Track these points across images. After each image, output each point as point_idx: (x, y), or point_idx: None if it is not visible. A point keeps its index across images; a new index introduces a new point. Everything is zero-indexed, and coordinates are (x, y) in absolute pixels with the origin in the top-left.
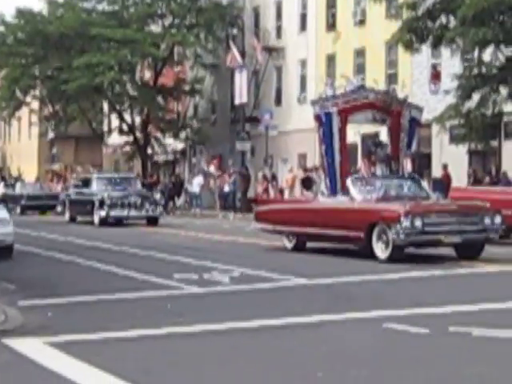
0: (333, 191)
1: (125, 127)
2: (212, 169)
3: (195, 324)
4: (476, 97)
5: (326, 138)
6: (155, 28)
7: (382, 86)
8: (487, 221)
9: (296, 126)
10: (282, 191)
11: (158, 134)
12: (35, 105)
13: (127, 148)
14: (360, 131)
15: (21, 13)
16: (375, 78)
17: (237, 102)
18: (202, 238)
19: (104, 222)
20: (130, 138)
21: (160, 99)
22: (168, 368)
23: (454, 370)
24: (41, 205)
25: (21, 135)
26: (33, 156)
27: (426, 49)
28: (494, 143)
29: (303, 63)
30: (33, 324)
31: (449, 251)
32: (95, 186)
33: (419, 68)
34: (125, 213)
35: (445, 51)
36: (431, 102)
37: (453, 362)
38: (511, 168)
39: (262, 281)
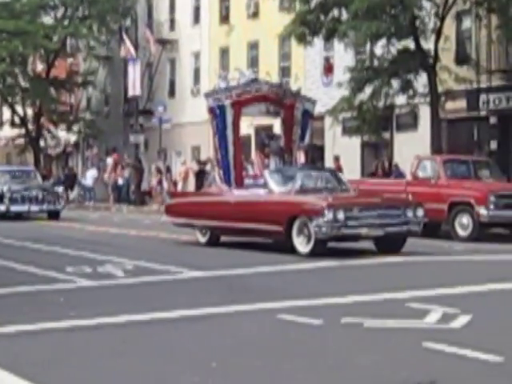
0: (227, 183)
1: (17, 120)
2: (109, 160)
3: (87, 317)
4: (368, 89)
5: (220, 131)
6: (47, 20)
7: (275, 78)
8: (409, 214)
9: (190, 118)
10: (175, 184)
11: (51, 127)
12: None
13: (19, 141)
14: (253, 123)
15: None
16: (268, 71)
17: (130, 94)
18: (100, 231)
19: (3, 216)
20: (22, 131)
21: (52, 91)
22: (61, 362)
23: (344, 359)
24: None
25: None
26: None
27: (318, 42)
28: (386, 135)
29: (197, 56)
30: None
31: (369, 245)
32: None
33: (312, 61)
34: (26, 207)
35: (337, 44)
36: (324, 95)
37: (343, 352)
38: (402, 160)
39: (157, 273)
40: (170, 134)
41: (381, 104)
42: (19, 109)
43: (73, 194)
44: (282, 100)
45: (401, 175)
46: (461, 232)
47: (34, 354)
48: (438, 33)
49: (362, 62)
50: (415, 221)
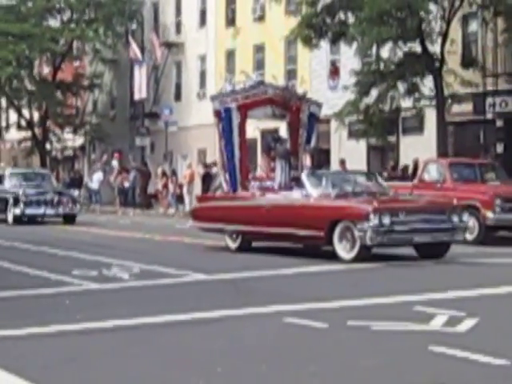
0: (233, 187)
1: (23, 123)
2: (115, 163)
3: (94, 320)
4: (374, 93)
5: (226, 134)
6: (54, 23)
7: (281, 81)
8: (455, 219)
9: (195, 121)
10: (181, 187)
11: (57, 130)
12: None
13: (26, 144)
14: (259, 127)
15: None
16: (274, 74)
17: (136, 97)
18: (113, 235)
19: (18, 220)
20: (29, 134)
21: (59, 94)
22: (66, 365)
23: (350, 362)
24: None
25: None
26: None
27: (324, 45)
28: (392, 138)
29: (203, 59)
30: None
31: (409, 251)
32: (8, 183)
33: (318, 64)
34: (41, 210)
35: (343, 47)
36: (330, 98)
37: (350, 356)
38: (409, 163)
39: (163, 277)
40: (176, 137)
41: (387, 107)
42: (25, 112)
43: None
44: (288, 103)
45: (405, 178)
46: (467, 235)
47: (40, 357)
48: (445, 36)
49: (369, 65)
50: (460, 227)
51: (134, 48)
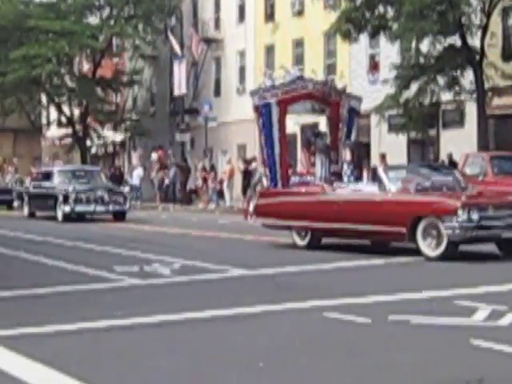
0: (273, 182)
1: (63, 119)
2: (154, 156)
3: (135, 316)
4: (414, 86)
5: (266, 129)
6: (93, 20)
7: (320, 76)
8: None
9: (235, 116)
10: (221, 182)
11: (97, 126)
12: None
13: (66, 140)
14: (299, 121)
15: None
16: (314, 69)
17: (176, 93)
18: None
19: (68, 217)
20: (69, 131)
21: (99, 91)
22: (110, 361)
23: (391, 357)
24: None
25: None
26: None
27: (364, 39)
28: (432, 132)
29: (242, 54)
30: None
31: (491, 248)
32: (57, 180)
33: (357, 58)
34: (91, 208)
35: (383, 41)
36: (370, 92)
37: (390, 350)
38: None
39: (204, 272)
40: (216, 132)
41: (427, 101)
42: (66, 109)
43: None
44: (327, 98)
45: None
46: None
47: (81, 353)
48: (485, 29)
49: (408, 59)
50: None
51: (174, 44)
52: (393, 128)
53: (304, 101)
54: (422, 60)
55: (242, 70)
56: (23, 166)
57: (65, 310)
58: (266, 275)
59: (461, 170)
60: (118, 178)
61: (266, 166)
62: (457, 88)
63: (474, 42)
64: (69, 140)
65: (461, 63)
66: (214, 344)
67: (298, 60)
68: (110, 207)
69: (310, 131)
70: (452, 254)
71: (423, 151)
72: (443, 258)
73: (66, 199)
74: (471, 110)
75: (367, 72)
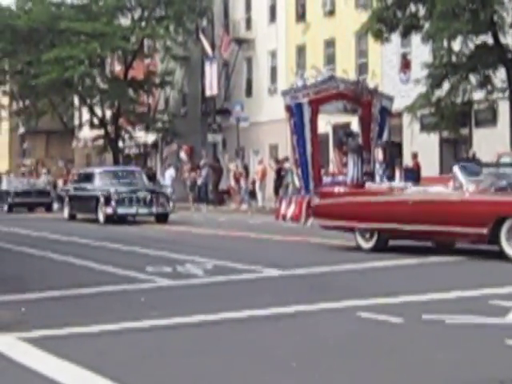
0: (305, 181)
1: (96, 121)
2: (183, 155)
3: (168, 317)
4: (446, 85)
5: (297, 129)
6: (125, 21)
7: (352, 76)
8: None
9: (267, 117)
10: (253, 183)
11: (129, 128)
12: (5, 100)
13: (98, 142)
14: (331, 121)
15: None
16: (345, 68)
17: (207, 93)
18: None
19: (110, 219)
20: (101, 132)
21: (131, 92)
22: (143, 361)
23: (425, 356)
24: (30, 202)
25: None
26: (4, 151)
27: (395, 38)
28: (465, 131)
29: (273, 54)
30: (6, 320)
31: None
32: (98, 181)
33: (389, 57)
34: (133, 210)
35: (415, 40)
36: (401, 91)
37: (424, 349)
38: (481, 156)
39: (237, 273)
40: (248, 132)
41: (459, 100)
42: (98, 110)
43: None
44: (359, 97)
45: None
46: None
47: (116, 354)
48: None
49: (440, 57)
50: None
51: (205, 45)
52: (425, 127)
53: (336, 101)
54: (454, 59)
55: (274, 70)
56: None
57: (101, 310)
58: (300, 275)
59: None
60: (150, 179)
61: (298, 166)
62: (489, 87)
63: (507, 40)
64: (101, 141)
65: (493, 62)
66: (246, 344)
67: (330, 60)
68: (153, 209)
69: (342, 131)
70: None
71: (456, 150)
72: None
73: (107, 201)
74: (504, 108)
75: (399, 71)
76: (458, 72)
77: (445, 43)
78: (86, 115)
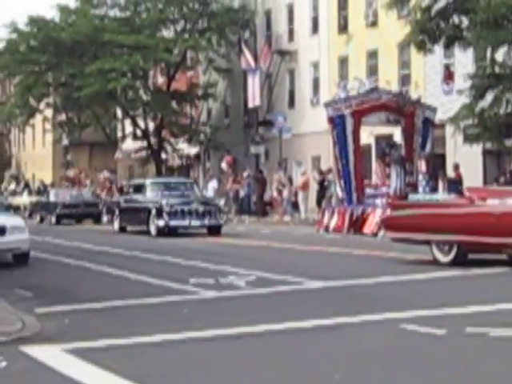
0: (348, 192)
1: (138, 132)
2: (224, 165)
3: (211, 329)
4: (489, 96)
5: (340, 140)
6: (167, 33)
7: (394, 87)
8: None
9: (309, 128)
10: (296, 194)
11: (172, 139)
12: (49, 112)
13: (141, 153)
14: (373, 132)
15: (33, 20)
16: (388, 80)
17: (250, 105)
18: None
19: (162, 232)
20: (144, 144)
21: (174, 104)
22: (185, 373)
23: (469, 370)
24: (78, 213)
25: (35, 142)
26: (47, 163)
27: (438, 49)
28: (508, 142)
29: (316, 66)
30: (50, 331)
31: None
32: (150, 193)
33: (432, 68)
34: (186, 222)
35: (458, 51)
36: (444, 102)
37: (468, 363)
38: None
39: (279, 284)
40: (290, 144)
41: (502, 111)
42: (141, 122)
43: None
44: (402, 108)
45: None
46: None
47: (159, 366)
48: None
49: (483, 68)
50: None
51: (247, 56)
52: (468, 138)
53: (378, 112)
54: (497, 69)
55: (316, 82)
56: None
57: (143, 322)
58: (342, 287)
59: None
60: None
61: (340, 178)
62: None
63: None
64: (143, 153)
65: None
66: (289, 355)
67: (372, 71)
68: (206, 221)
69: (385, 142)
70: None
71: (499, 162)
72: None
73: (159, 213)
74: None
75: (442, 82)
76: (501, 83)
77: (488, 53)
78: (128, 127)
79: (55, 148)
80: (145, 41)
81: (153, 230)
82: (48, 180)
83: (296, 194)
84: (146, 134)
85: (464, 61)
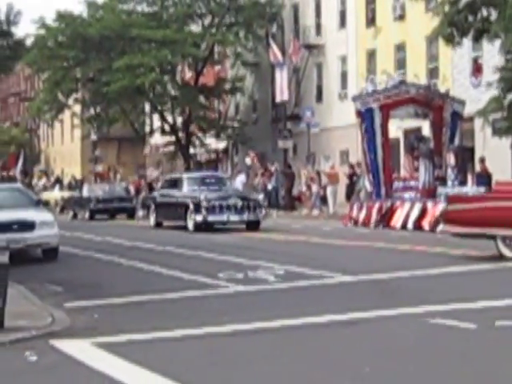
0: (376, 186)
1: (167, 127)
2: (248, 160)
3: (240, 322)
4: None
5: (368, 134)
6: (195, 28)
7: (423, 80)
8: None
9: (337, 122)
10: (324, 188)
11: (200, 134)
12: (77, 108)
13: (169, 148)
14: (402, 126)
15: (61, 16)
16: (416, 73)
17: (278, 99)
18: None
19: (199, 227)
20: (172, 138)
21: (201, 99)
22: (215, 367)
23: (499, 363)
24: (112, 208)
25: (63, 138)
26: (76, 158)
27: (466, 42)
28: None
29: (343, 59)
30: (80, 325)
31: None
32: (186, 187)
33: (460, 61)
34: (224, 217)
35: (486, 44)
36: (473, 95)
37: (496, 356)
38: None
39: (308, 278)
40: (318, 138)
41: None
42: (169, 117)
43: None
44: (430, 102)
45: None
46: None
47: (187, 359)
48: None
49: None
50: None
51: (275, 50)
52: (497, 131)
53: (407, 105)
54: None
55: (344, 76)
56: (127, 173)
57: (172, 316)
58: (372, 281)
59: None
60: None
61: (369, 171)
62: None
63: None
64: (172, 147)
65: None
66: (318, 349)
67: (400, 64)
68: (244, 216)
69: (413, 136)
70: None
71: None
72: None
73: (197, 208)
74: None
75: (470, 75)
76: None
77: None
78: (157, 122)
79: (83, 143)
80: (172, 36)
81: (190, 225)
82: (78, 175)
83: (324, 188)
84: (174, 129)
85: (492, 54)
